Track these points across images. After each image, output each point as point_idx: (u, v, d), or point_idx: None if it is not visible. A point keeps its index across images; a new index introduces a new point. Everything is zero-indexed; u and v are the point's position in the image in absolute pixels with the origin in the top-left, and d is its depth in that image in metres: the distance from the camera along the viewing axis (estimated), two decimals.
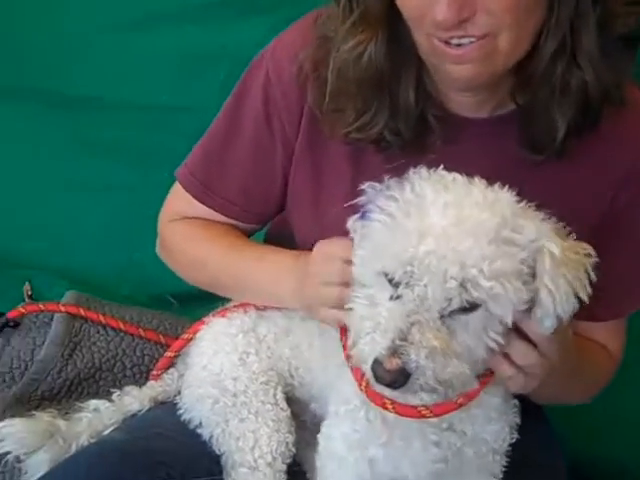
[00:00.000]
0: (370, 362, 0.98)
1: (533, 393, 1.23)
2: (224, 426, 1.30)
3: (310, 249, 1.35)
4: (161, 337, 1.75)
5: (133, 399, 1.42)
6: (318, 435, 1.23)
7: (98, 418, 1.39)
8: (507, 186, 1.04)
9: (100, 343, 1.72)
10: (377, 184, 1.06)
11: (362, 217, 1.06)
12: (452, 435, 1.13)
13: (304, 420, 1.36)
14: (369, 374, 0.99)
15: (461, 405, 1.09)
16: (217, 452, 1.31)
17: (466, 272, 0.94)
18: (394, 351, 0.95)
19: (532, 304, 1.01)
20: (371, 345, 0.98)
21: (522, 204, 1.03)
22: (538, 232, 0.99)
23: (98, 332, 1.74)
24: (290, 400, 1.35)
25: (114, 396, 1.43)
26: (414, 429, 1.12)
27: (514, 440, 1.18)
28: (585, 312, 1.30)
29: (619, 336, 1.43)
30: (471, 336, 0.99)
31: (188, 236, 1.46)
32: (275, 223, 1.56)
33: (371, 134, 1.25)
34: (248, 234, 1.48)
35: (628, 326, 1.44)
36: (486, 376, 1.09)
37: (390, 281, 1.00)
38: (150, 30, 2.10)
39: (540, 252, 0.99)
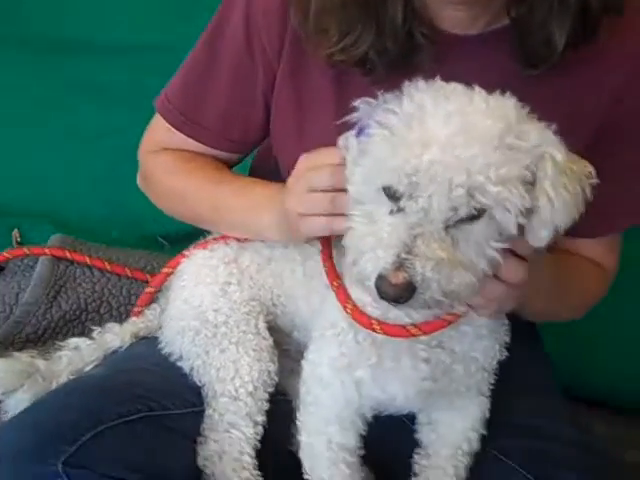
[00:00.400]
0: (374, 278, 0.94)
1: (521, 310, 1.19)
2: (205, 357, 1.28)
3: None
4: (148, 276, 1.74)
5: (114, 336, 1.39)
6: (302, 361, 1.20)
7: (78, 356, 1.36)
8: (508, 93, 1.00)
9: (86, 284, 1.71)
10: (371, 100, 1.01)
11: (358, 134, 1.02)
12: (442, 353, 1.10)
13: (287, 349, 1.33)
14: (372, 291, 0.95)
15: (450, 322, 1.07)
16: (198, 384, 1.28)
17: (473, 179, 0.91)
18: (399, 265, 0.92)
19: (529, 217, 0.97)
20: (374, 261, 0.94)
21: (525, 110, 0.99)
22: (541, 138, 0.96)
23: (84, 273, 1.73)
24: (273, 329, 1.32)
25: (95, 333, 1.40)
26: (404, 347, 1.09)
27: (504, 358, 1.15)
28: (579, 227, 1.29)
29: (613, 252, 1.39)
30: (474, 246, 0.95)
31: (168, 168, 1.42)
32: (259, 155, 1.52)
33: (355, 55, 1.20)
34: (230, 165, 1.44)
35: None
36: None
37: (391, 196, 0.96)
38: None
39: (542, 158, 0.95)
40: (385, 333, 1.07)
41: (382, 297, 0.94)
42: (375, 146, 0.97)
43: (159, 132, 1.43)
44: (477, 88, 0.98)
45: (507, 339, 1.15)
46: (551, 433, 1.25)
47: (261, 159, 1.50)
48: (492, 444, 1.22)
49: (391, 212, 0.96)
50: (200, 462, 1.23)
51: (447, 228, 0.93)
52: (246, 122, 1.36)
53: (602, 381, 1.96)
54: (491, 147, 0.92)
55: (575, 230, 1.27)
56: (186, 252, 1.39)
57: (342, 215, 1.05)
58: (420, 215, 0.92)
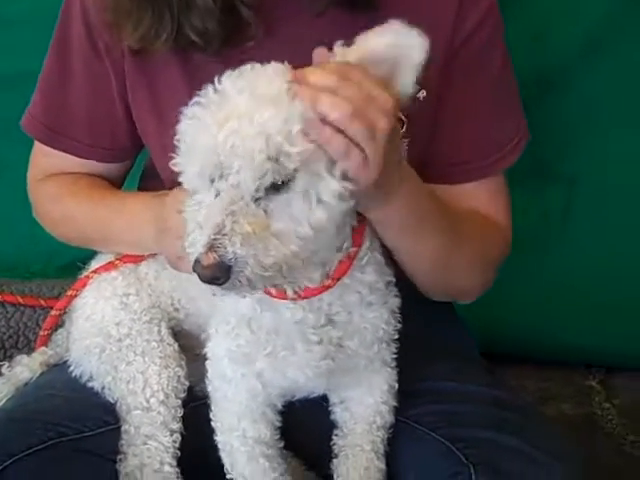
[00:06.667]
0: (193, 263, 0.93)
1: (415, 252, 1.17)
2: (114, 373, 1.26)
3: (168, 178, 1.31)
4: None
5: (24, 367, 1.36)
6: (206, 362, 1.18)
7: None
8: None
9: None
10: None
11: None
12: (332, 330, 1.08)
13: (199, 353, 1.31)
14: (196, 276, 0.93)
15: (329, 287, 1.05)
16: (111, 401, 1.26)
17: (273, 142, 0.89)
18: (210, 246, 0.90)
19: None
20: (193, 246, 0.94)
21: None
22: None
23: None
24: (181, 335, 1.31)
25: (3, 368, 1.37)
26: (295, 333, 1.08)
27: (398, 327, 1.14)
28: (455, 174, 1.30)
29: (502, 202, 1.35)
30: (294, 214, 0.93)
31: (54, 195, 1.40)
32: (149, 161, 1.50)
33: (159, 42, 1.19)
34: (116, 177, 1.43)
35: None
36: (351, 253, 1.05)
37: (210, 181, 0.95)
38: None
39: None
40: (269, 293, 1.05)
41: (202, 280, 0.92)
42: (183, 135, 0.96)
43: (39, 157, 1.42)
44: (273, 62, 0.97)
45: (397, 307, 1.13)
46: (462, 395, 1.24)
47: (152, 164, 1.48)
48: (404, 413, 1.22)
49: (215, 197, 0.95)
50: None
51: (259, 201, 0.92)
52: (112, 126, 1.35)
53: (530, 338, 1.99)
54: (286, 105, 0.91)
55: (450, 176, 1.29)
56: (90, 274, 1.36)
57: None
58: (232, 193, 0.91)
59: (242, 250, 0.90)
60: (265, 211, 0.92)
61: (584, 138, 1.83)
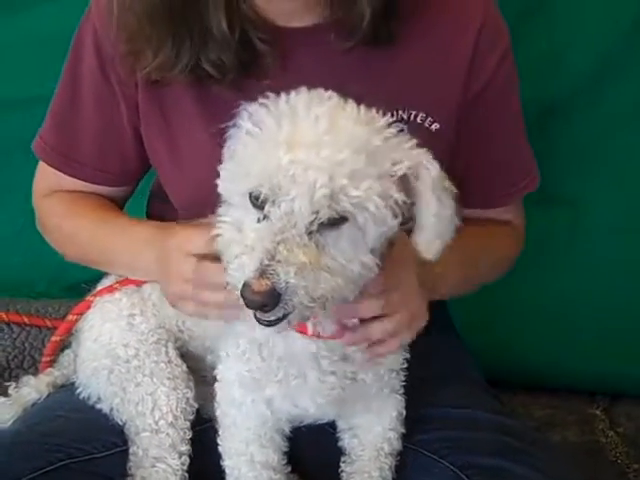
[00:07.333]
0: (240, 287, 0.92)
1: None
2: (122, 395, 1.26)
3: (180, 203, 1.33)
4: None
5: (31, 388, 1.36)
6: (215, 385, 1.19)
7: None
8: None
9: (5, 342, 1.68)
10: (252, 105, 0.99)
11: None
12: (346, 364, 1.09)
13: (205, 375, 1.31)
14: (241, 300, 0.93)
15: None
16: (119, 422, 1.26)
17: (337, 182, 0.89)
18: (262, 272, 0.89)
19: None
20: (240, 269, 0.93)
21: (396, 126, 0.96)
22: (415, 154, 0.95)
23: (2, 331, 1.69)
24: (186, 356, 1.30)
25: (10, 389, 1.37)
26: (308, 362, 1.08)
27: (407, 357, 1.15)
28: (496, 199, 1.37)
29: (519, 210, 1.44)
30: (345, 250, 0.93)
31: (60, 212, 1.41)
32: (157, 184, 1.51)
33: (176, 71, 1.20)
34: (121, 198, 1.44)
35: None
36: None
37: (257, 204, 0.94)
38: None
39: (420, 172, 0.94)
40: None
41: (248, 305, 0.92)
42: (242, 142, 0.95)
43: (46, 176, 1.42)
44: (351, 100, 0.97)
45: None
46: (470, 422, 1.25)
47: (159, 186, 1.49)
48: (412, 439, 1.22)
49: (258, 221, 0.94)
50: None
51: (312, 234, 0.91)
52: (121, 153, 1.36)
53: (535, 366, 1.99)
54: (358, 151, 0.90)
55: (488, 202, 1.36)
56: (91, 298, 1.36)
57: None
58: (284, 221, 0.91)
59: (295, 280, 0.89)
60: (316, 245, 0.92)
61: (588, 163, 1.85)
